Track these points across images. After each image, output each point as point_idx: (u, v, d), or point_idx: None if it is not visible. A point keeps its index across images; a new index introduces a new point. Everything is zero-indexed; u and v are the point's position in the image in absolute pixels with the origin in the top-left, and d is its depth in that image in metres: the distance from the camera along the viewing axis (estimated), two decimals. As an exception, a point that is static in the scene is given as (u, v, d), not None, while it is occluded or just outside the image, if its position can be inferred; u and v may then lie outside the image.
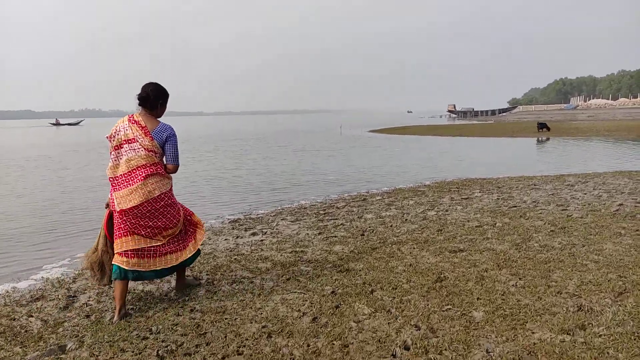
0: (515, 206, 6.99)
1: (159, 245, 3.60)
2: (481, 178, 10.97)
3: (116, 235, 3.56)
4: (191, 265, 4.37)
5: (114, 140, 3.54)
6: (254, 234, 6.01)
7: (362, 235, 5.67)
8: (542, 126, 29.81)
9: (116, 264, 3.52)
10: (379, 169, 13.68)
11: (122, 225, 3.52)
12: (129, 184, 3.48)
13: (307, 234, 5.87)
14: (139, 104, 3.58)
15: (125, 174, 3.49)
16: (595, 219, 5.97)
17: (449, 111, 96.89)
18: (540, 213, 6.42)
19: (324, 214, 7.17)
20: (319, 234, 5.83)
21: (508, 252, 4.69)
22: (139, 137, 3.50)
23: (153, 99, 3.57)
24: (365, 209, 7.33)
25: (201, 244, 4.50)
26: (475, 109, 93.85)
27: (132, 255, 3.52)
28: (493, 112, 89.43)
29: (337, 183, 10.99)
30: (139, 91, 3.59)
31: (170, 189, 3.68)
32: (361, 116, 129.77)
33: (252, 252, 5.09)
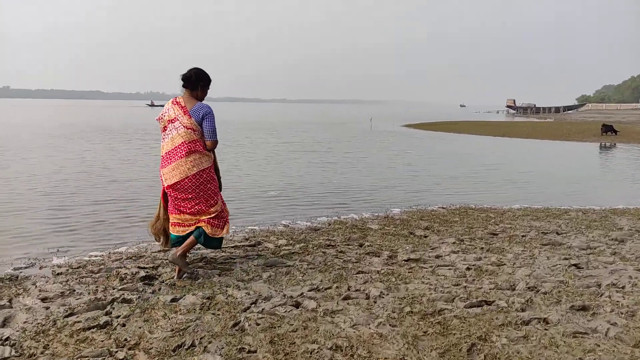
0: (486, 302, 3.45)
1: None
2: (482, 208, 7.34)
3: (169, 209, 4.00)
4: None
5: (161, 122, 3.91)
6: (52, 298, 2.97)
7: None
8: (608, 129, 24.77)
9: (171, 232, 4.01)
10: (354, 181, 10.27)
11: (170, 201, 3.95)
12: (172, 160, 3.82)
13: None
14: (182, 85, 3.88)
15: (170, 151, 3.83)
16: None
17: (508, 106, 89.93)
18: (525, 335, 2.90)
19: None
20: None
21: None
22: (179, 116, 3.82)
23: (194, 80, 3.86)
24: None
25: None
26: (537, 105, 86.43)
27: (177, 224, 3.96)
28: (557, 110, 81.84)
29: (273, 205, 7.72)
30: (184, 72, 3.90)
31: (210, 167, 3.91)
32: (408, 108, 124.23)
33: None
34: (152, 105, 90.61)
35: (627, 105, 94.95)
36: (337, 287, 3.74)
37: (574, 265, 4.34)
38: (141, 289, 3.69)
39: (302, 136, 23.71)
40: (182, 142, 3.75)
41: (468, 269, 4.22)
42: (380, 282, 3.88)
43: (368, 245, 5.03)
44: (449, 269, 4.21)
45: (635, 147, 19.62)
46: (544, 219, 6.53)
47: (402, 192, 8.85)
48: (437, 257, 4.63)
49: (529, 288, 3.72)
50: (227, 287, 3.73)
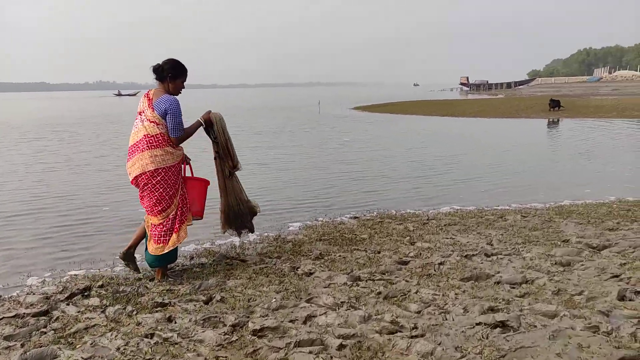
0: None
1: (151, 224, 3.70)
2: (402, 215, 5.95)
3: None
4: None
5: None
6: None
7: None
8: (555, 104, 24.19)
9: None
10: (268, 187, 8.76)
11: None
12: (134, 154, 3.62)
13: None
14: (154, 77, 3.71)
15: (132, 145, 3.64)
16: None
17: (462, 84, 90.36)
18: None
19: None
20: None
21: None
22: (145, 108, 3.64)
23: (162, 70, 3.66)
24: None
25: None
26: (489, 82, 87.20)
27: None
28: (509, 85, 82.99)
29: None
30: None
31: (172, 167, 3.64)
32: (360, 90, 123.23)
33: None
34: (119, 94, 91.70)
35: (574, 78, 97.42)
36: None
37: (500, 323, 2.95)
38: None
39: (243, 126, 21.81)
40: (144, 135, 3.58)
41: (341, 346, 2.74)
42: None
43: (218, 301, 3.48)
44: (309, 351, 2.71)
45: (580, 122, 18.99)
46: (473, 228, 5.18)
47: (316, 200, 7.35)
48: (308, 319, 3.14)
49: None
50: None
